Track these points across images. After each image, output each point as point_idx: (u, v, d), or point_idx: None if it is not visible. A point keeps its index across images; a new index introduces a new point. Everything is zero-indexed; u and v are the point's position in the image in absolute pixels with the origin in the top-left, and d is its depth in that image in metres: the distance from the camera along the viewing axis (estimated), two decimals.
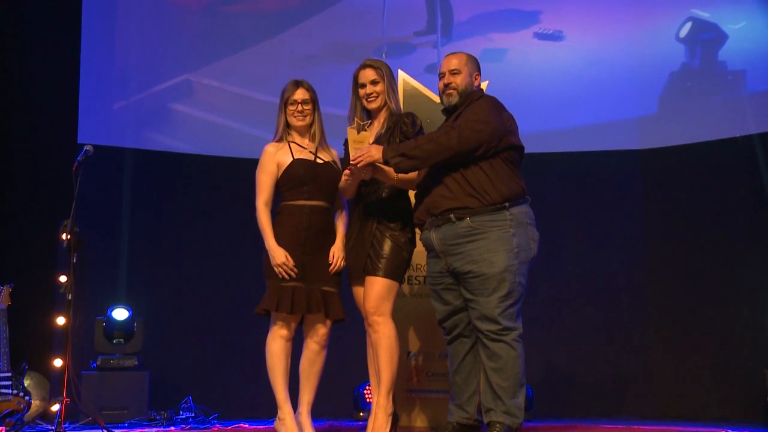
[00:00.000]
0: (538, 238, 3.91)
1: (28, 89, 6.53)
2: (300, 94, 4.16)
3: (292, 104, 4.16)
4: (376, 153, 3.80)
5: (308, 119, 4.18)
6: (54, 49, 6.65)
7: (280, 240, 4.01)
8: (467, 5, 7.52)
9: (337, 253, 4.12)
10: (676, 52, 6.97)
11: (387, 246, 4.06)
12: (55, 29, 6.69)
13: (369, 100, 4.19)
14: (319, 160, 4.15)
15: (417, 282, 5.02)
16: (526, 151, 3.99)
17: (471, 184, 3.77)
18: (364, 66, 4.23)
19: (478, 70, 4.06)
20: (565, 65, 7.25)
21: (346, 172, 4.00)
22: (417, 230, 4.16)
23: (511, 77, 7.03)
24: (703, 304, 6.45)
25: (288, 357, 4.10)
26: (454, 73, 3.96)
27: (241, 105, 7.35)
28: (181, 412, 5.66)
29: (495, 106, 3.91)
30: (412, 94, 5.16)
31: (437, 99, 4.31)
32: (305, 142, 4.20)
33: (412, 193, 4.23)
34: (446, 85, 3.98)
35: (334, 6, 7.80)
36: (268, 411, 4.70)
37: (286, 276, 3.96)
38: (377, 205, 4.14)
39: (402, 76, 5.17)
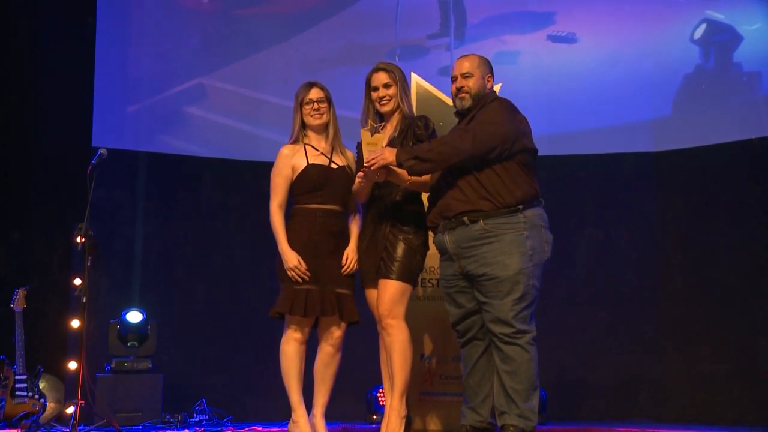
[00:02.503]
0: (552, 240, 3.90)
1: (43, 93, 6.56)
2: (315, 93, 4.18)
3: (308, 104, 4.18)
4: (390, 155, 3.80)
5: (325, 117, 4.20)
6: (68, 52, 6.69)
7: (293, 243, 4.02)
8: (480, 7, 7.51)
9: (350, 255, 4.13)
10: (691, 53, 6.93)
11: (400, 249, 4.06)
12: (69, 33, 6.72)
13: (382, 103, 4.19)
14: (333, 165, 4.16)
15: (430, 285, 5.02)
16: (540, 153, 3.98)
17: (484, 186, 3.76)
18: (377, 69, 4.24)
19: (491, 72, 4.05)
20: (579, 67, 7.22)
21: (360, 174, 4.00)
22: (430, 233, 4.15)
23: (525, 79, 7.02)
24: (718, 307, 6.40)
25: (302, 360, 4.10)
26: (466, 76, 3.96)
27: (254, 108, 7.37)
28: (194, 415, 5.67)
29: (508, 108, 3.90)
30: (425, 97, 5.16)
31: (450, 102, 4.31)
32: (321, 144, 4.21)
33: (425, 196, 4.23)
34: (459, 89, 3.97)
35: (347, 9, 7.82)
36: (282, 414, 4.69)
37: (299, 279, 3.96)
38: (391, 208, 4.13)
39: (415, 79, 5.17)
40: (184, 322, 6.49)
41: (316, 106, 4.18)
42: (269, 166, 4.18)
